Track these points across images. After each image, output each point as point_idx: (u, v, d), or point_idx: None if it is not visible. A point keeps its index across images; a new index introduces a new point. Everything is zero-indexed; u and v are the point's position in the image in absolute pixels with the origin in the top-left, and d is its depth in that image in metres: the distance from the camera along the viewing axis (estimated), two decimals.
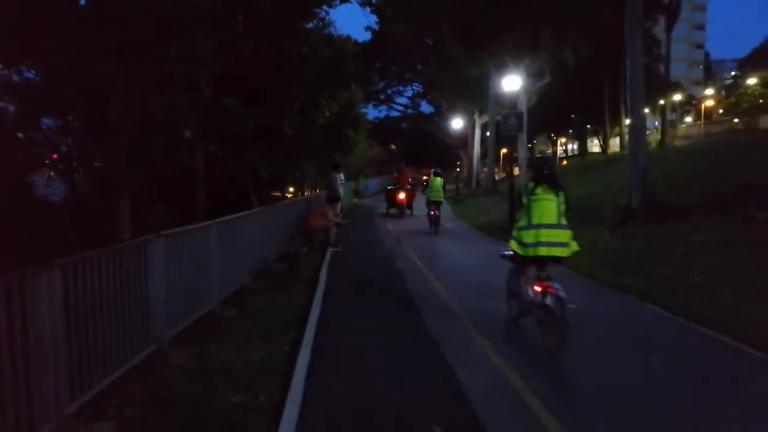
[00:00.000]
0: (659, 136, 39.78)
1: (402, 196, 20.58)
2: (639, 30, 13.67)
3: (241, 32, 9.88)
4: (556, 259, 5.71)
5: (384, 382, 4.82)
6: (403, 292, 8.42)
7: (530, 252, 5.62)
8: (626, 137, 21.78)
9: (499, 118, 23.73)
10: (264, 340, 6.01)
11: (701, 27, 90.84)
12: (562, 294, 5.35)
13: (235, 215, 8.59)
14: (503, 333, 6.24)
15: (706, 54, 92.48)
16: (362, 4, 25.35)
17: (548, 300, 5.50)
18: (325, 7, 15.50)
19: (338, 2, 15.56)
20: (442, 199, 16.36)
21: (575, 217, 15.46)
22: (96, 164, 9.35)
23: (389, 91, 47.01)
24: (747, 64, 69.54)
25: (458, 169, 46.02)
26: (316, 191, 25.25)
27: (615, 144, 44.75)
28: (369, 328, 6.51)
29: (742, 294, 7.05)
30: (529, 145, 49.02)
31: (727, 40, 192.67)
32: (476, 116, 36.18)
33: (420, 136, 56.15)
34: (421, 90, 45.63)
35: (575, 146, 67.10)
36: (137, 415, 4.14)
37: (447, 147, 48.24)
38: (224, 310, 7.21)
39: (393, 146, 64.31)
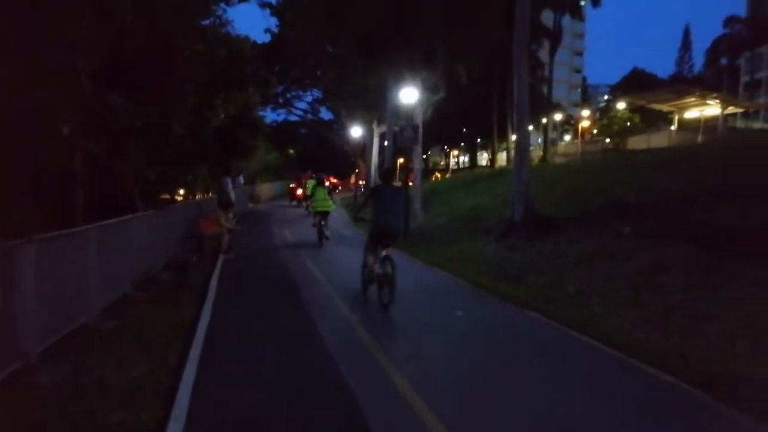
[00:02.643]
0: (542, 153, 42.68)
1: (300, 192, 23.23)
2: (525, 52, 14.61)
3: (129, 22, 9.32)
4: (393, 238, 8.16)
5: (272, 395, 4.76)
6: (297, 299, 8.34)
7: (380, 231, 8.13)
8: (512, 152, 23.22)
9: (396, 129, 24.30)
10: (147, 352, 5.70)
11: (580, 53, 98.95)
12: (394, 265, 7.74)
13: (118, 219, 8.08)
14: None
15: (584, 78, 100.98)
16: (262, 6, 24.86)
17: (388, 268, 7.80)
18: (222, 4, 15.09)
19: (236, 1, 15.20)
20: (330, 209, 15.11)
21: (465, 227, 16.30)
22: None
23: (288, 95, 46.29)
24: (618, 90, 76.80)
25: (356, 177, 46.37)
26: (208, 195, 24.32)
27: (502, 158, 47.38)
28: (260, 338, 6.38)
29: (608, 302, 7.76)
30: (424, 156, 50.60)
31: (602, 67, 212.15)
32: (375, 126, 36.70)
33: (319, 142, 55.97)
34: (321, 96, 45.47)
35: (467, 159, 70.17)
36: None
37: (345, 154, 48.45)
38: (103, 322, 6.75)
39: (291, 151, 63.56)
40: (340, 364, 5.42)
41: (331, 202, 15.23)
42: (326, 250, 14.19)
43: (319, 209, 14.81)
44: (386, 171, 9.88)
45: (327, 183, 16.57)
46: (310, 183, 16.01)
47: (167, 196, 19.87)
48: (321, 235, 14.81)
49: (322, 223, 14.79)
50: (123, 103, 8.31)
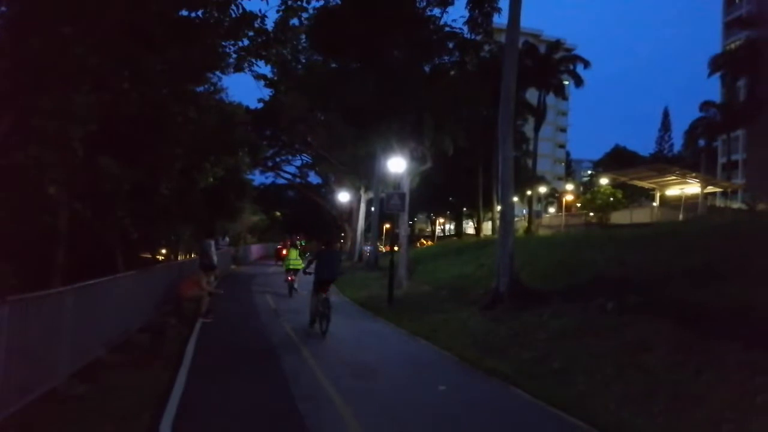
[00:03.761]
0: (526, 224, 43.17)
1: (285, 252, 23.18)
2: (511, 128, 15.09)
3: (125, 89, 9.51)
4: (329, 284, 11.51)
5: None
6: (276, 370, 8.11)
7: (321, 280, 11.44)
8: (497, 222, 23.57)
9: (383, 196, 24.61)
10: (115, 423, 5.44)
11: (563, 129, 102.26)
12: (331, 302, 11.31)
13: (96, 281, 7.92)
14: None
15: (567, 153, 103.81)
16: (257, 78, 25.58)
17: (326, 308, 11.05)
18: (218, 72, 15.47)
19: (232, 70, 15.62)
20: (299, 267, 17.77)
21: (450, 296, 16.20)
22: None
23: (278, 159, 46.97)
24: (600, 165, 79.05)
25: (342, 242, 46.39)
26: (190, 256, 24.09)
27: (488, 227, 47.83)
28: (236, 412, 6.13)
29: (593, 380, 7.64)
30: (410, 223, 50.98)
31: (585, 143, 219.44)
32: (362, 192, 37.14)
33: (306, 205, 56.20)
34: (310, 161, 46.18)
35: (452, 227, 70.74)
36: None
37: (332, 219, 48.67)
38: (71, 387, 6.46)
39: (278, 213, 63.70)
40: None
41: (300, 261, 17.95)
42: (307, 315, 13.97)
43: (290, 267, 18.25)
44: (328, 239, 13.54)
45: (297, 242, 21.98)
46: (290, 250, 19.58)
47: (148, 255, 19.64)
48: (291, 288, 18.17)
49: (293, 278, 18.19)
50: (113, 166, 8.34)
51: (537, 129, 41.64)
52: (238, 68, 11.78)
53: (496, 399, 7.26)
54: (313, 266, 11.78)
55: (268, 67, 28.32)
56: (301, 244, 25.63)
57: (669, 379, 6.99)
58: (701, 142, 49.81)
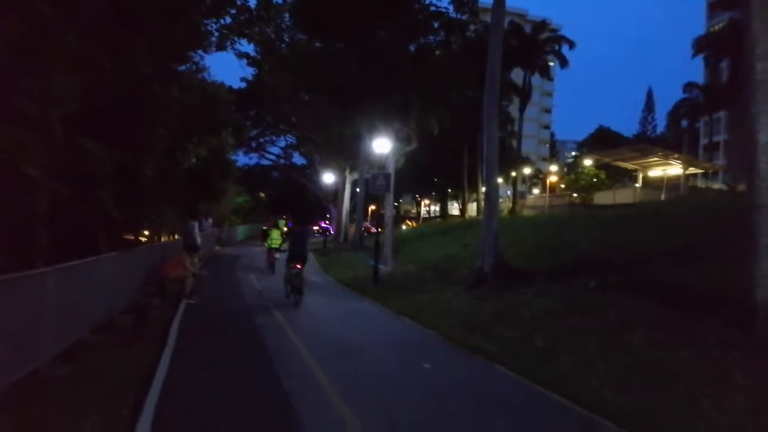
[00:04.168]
0: (511, 205, 43.44)
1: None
2: (496, 109, 15.08)
3: (107, 69, 9.29)
4: (302, 260, 12.47)
5: None
6: (262, 350, 8.13)
7: (293, 256, 12.55)
8: (482, 203, 23.66)
9: (368, 177, 24.55)
10: (99, 403, 5.41)
11: (548, 110, 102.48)
12: (303, 276, 12.40)
13: (79, 261, 7.83)
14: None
15: (552, 134, 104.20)
16: (239, 56, 25.20)
17: (298, 280, 12.22)
18: (200, 51, 15.23)
19: (214, 49, 15.38)
20: (278, 245, 18.97)
21: (435, 276, 16.30)
22: None
23: (262, 140, 46.52)
24: (584, 146, 79.52)
25: (326, 222, 46.31)
26: (174, 237, 23.90)
27: (473, 208, 48.00)
28: (221, 392, 6.14)
29: (576, 358, 7.76)
30: (396, 204, 51.01)
31: (570, 124, 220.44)
32: (347, 173, 37.00)
33: (291, 186, 55.93)
34: (295, 142, 45.83)
35: (437, 208, 70.95)
36: None
37: (317, 200, 48.53)
38: (54, 368, 6.42)
39: (262, 194, 63.30)
40: (304, 419, 5.25)
41: (281, 240, 19.13)
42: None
43: (272, 246, 19.20)
44: (299, 218, 15.19)
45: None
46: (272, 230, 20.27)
47: (131, 237, 19.43)
48: (272, 266, 18.95)
49: (276, 255, 18.83)
50: (94, 147, 8.17)
51: (522, 110, 41.68)
52: (221, 47, 11.65)
53: (481, 377, 7.35)
54: (287, 244, 13.36)
55: (251, 45, 28.08)
56: (287, 225, 25.58)
57: (650, 357, 7.13)
58: (684, 123, 50.28)
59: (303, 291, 12.27)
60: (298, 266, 12.32)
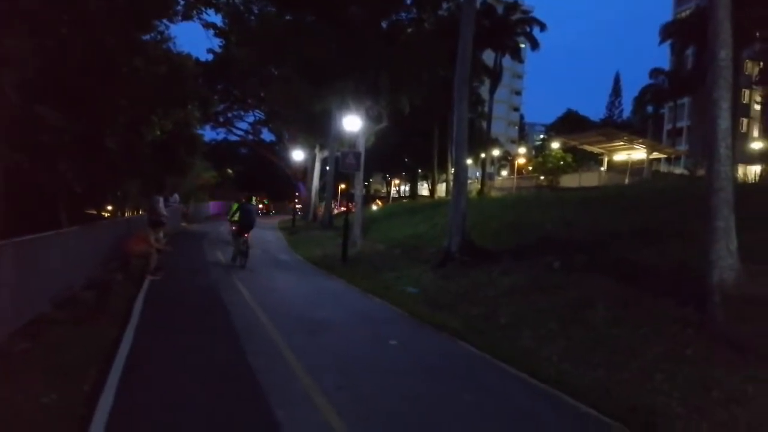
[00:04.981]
0: (479, 186, 43.83)
1: None
2: (467, 88, 15.10)
3: (65, 34, 8.92)
4: (249, 229, 14.75)
5: (197, 428, 4.54)
6: (228, 326, 8.07)
7: (242, 226, 14.68)
8: (451, 184, 23.78)
9: (338, 154, 24.38)
10: (60, 378, 5.31)
11: (518, 92, 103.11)
12: (249, 243, 14.86)
13: (38, 235, 7.60)
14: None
15: (521, 117, 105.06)
16: (206, 26, 24.50)
17: (245, 246, 14.67)
18: (165, 20, 14.72)
19: (180, 18, 14.90)
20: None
21: (403, 255, 16.41)
22: None
23: (229, 115, 45.56)
24: (552, 129, 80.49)
25: (296, 201, 45.92)
26: (138, 213, 23.39)
27: (442, 189, 48.28)
28: (186, 366, 6.09)
29: (538, 335, 7.96)
30: (366, 183, 50.92)
31: (539, 107, 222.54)
32: (317, 150, 36.67)
33: (259, 163, 55.14)
34: (264, 117, 45.02)
35: (407, 188, 71.13)
36: None
37: (286, 177, 48.02)
38: (13, 344, 6.26)
39: (230, 171, 62.27)
40: (270, 394, 5.26)
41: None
42: (260, 273, 13.96)
43: (234, 219, 18.16)
44: (248, 195, 16.97)
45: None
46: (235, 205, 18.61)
47: (94, 212, 18.94)
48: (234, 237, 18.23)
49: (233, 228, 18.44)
50: (52, 116, 7.85)
51: (492, 91, 41.84)
52: (187, 16, 11.24)
53: (445, 353, 7.47)
54: (237, 216, 15.08)
55: (219, 16, 27.31)
56: (263, 203, 25.08)
57: (609, 334, 7.36)
58: (649, 109, 51.34)
59: (248, 254, 14.76)
60: (246, 235, 14.71)
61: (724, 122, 7.55)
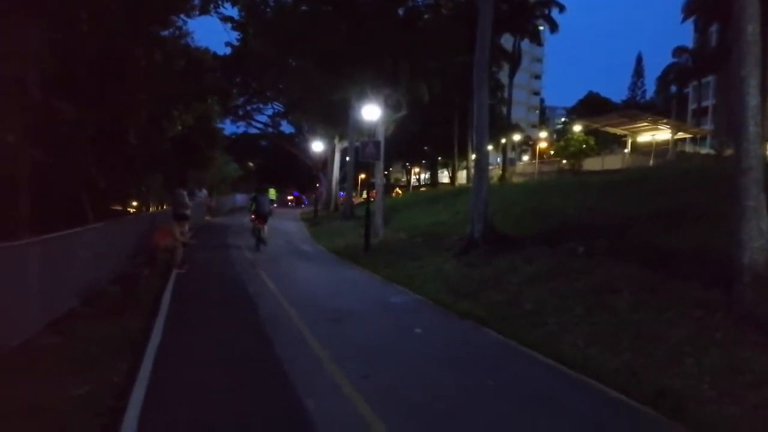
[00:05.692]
0: (500, 172, 43.46)
1: None
2: (486, 75, 14.92)
3: (84, 31, 9.03)
4: (264, 218, 16.17)
5: (228, 418, 4.61)
6: (254, 317, 8.17)
7: (257, 215, 16.28)
8: (472, 171, 23.55)
9: (358, 144, 24.37)
10: (90, 372, 5.43)
11: (538, 76, 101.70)
12: (266, 230, 16.47)
13: (65, 232, 7.77)
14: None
15: (542, 100, 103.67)
16: (223, 20, 24.62)
17: (262, 233, 16.19)
18: (183, 16, 14.83)
19: (197, 13, 14.99)
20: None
21: (425, 243, 16.40)
22: None
23: (249, 108, 45.84)
24: (574, 113, 79.30)
25: (317, 192, 46.11)
26: (162, 207, 23.75)
27: (463, 176, 47.99)
28: (215, 359, 6.18)
29: (563, 320, 7.89)
30: (386, 172, 50.86)
31: (559, 90, 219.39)
32: (336, 141, 36.71)
33: (279, 155, 55.46)
34: (282, 109, 45.17)
35: (427, 176, 70.88)
36: None
37: (307, 168, 48.21)
38: (43, 339, 6.43)
39: (251, 164, 62.80)
40: (298, 384, 5.31)
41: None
42: (283, 264, 14.08)
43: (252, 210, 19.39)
44: (260, 187, 18.95)
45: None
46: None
47: (119, 207, 19.31)
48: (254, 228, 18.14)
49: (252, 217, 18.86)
50: (72, 111, 7.99)
51: (512, 76, 41.32)
52: (204, 10, 11.30)
53: (469, 340, 7.46)
54: (254, 206, 16.52)
55: (236, 9, 27.40)
56: (294, 194, 25.30)
57: (634, 319, 7.26)
58: (673, 89, 50.11)
59: (266, 242, 16.35)
60: (260, 223, 16.14)
61: (753, 99, 7.32)
